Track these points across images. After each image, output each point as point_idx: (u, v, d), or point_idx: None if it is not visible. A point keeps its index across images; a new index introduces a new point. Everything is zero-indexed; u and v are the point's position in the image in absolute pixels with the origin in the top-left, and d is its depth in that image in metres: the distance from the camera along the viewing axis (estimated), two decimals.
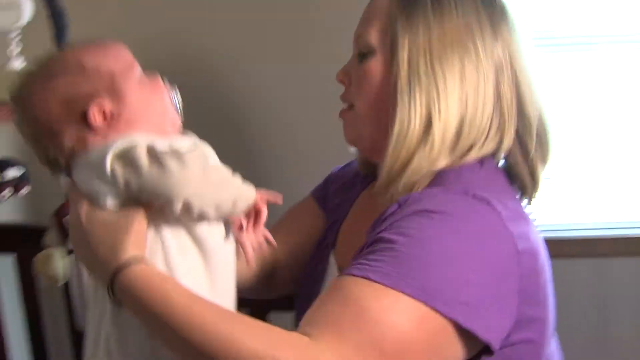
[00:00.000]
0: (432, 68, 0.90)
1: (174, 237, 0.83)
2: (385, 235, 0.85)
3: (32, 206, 1.90)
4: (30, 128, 0.86)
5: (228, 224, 0.87)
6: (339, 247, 1.09)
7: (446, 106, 0.90)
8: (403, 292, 0.79)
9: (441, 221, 0.84)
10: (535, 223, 0.95)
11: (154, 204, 0.80)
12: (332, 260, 1.09)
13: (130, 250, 0.79)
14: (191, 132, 0.91)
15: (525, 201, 1.00)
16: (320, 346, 0.77)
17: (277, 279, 1.17)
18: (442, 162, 0.92)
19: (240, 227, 0.88)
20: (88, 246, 0.81)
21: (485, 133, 0.93)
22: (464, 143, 0.92)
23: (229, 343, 0.75)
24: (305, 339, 0.78)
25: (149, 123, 0.85)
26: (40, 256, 1.18)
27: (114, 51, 0.88)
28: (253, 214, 0.87)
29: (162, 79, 0.91)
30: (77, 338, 1.45)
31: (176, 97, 0.91)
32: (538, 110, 0.97)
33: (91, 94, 0.83)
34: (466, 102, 0.91)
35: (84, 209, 0.82)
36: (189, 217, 0.81)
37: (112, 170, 0.79)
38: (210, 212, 0.81)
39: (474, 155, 0.94)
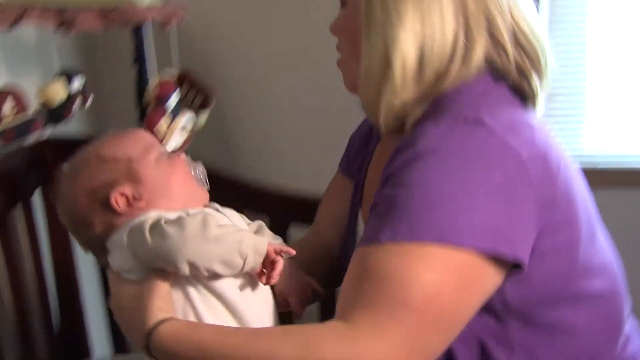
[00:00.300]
0: (386, 5, 0.90)
1: (200, 296, 0.87)
2: (385, 192, 0.86)
3: (96, 117, 2.00)
4: (68, 222, 0.95)
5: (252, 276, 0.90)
6: (364, 205, 1.10)
7: (401, 39, 0.89)
8: (415, 241, 0.80)
9: (434, 160, 0.84)
10: (544, 127, 0.93)
11: (167, 269, 0.85)
12: (360, 219, 1.10)
13: (156, 314, 0.84)
14: (214, 204, 0.96)
15: (531, 108, 0.98)
16: (356, 327, 0.79)
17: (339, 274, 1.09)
18: (411, 94, 0.91)
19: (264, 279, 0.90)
20: (124, 320, 0.89)
21: (453, 54, 0.91)
22: (429, 70, 0.91)
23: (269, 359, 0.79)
24: (339, 325, 0.80)
25: (170, 199, 0.92)
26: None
27: (131, 137, 0.94)
28: (269, 265, 0.89)
29: (185, 155, 0.97)
30: None
31: (199, 171, 0.96)
32: (514, 20, 0.93)
33: (111, 182, 0.90)
34: (422, 31, 0.89)
35: (115, 287, 0.90)
36: (201, 276, 0.85)
37: (127, 246, 0.87)
38: (218, 268, 0.84)
39: (457, 74, 0.91)
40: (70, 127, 1.62)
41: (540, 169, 0.85)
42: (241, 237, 0.86)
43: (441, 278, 0.80)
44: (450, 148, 0.84)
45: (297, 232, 1.67)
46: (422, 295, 0.79)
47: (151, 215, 0.87)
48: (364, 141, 1.16)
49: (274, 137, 1.99)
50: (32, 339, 1.76)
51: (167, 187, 0.92)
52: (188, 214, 0.86)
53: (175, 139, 1.47)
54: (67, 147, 1.80)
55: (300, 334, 0.81)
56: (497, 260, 0.82)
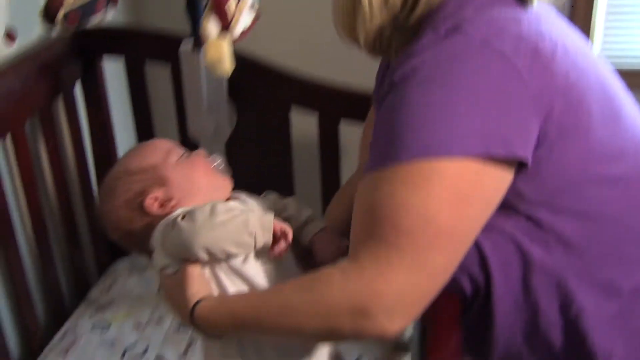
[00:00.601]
0: None
1: (230, 281, 0.94)
2: (376, 120, 0.86)
3: (135, 8, 1.97)
4: (117, 236, 1.02)
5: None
6: None
7: None
8: (401, 162, 0.79)
9: (414, 79, 0.81)
10: (540, 17, 0.88)
11: (191, 259, 0.92)
12: None
13: (191, 298, 0.91)
14: (242, 194, 1.03)
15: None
16: (359, 264, 0.80)
17: None
18: (384, 19, 0.89)
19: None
20: (173, 310, 0.96)
21: None
22: None
23: (285, 311, 0.84)
24: (345, 265, 0.81)
25: (196, 194, 0.99)
26: (208, 45, 1.38)
27: (150, 147, 1.03)
28: (280, 237, 0.93)
29: (203, 151, 1.04)
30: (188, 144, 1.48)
31: (218, 163, 1.04)
32: None
33: (143, 190, 0.98)
34: None
35: (162, 282, 0.97)
36: (219, 260, 0.92)
37: (160, 244, 0.95)
38: (232, 249, 0.91)
39: None
40: (111, 18, 1.57)
41: (529, 60, 0.81)
42: (247, 217, 0.91)
43: (431, 196, 0.78)
44: (430, 63, 0.81)
45: (347, 128, 1.62)
46: (412, 217, 0.78)
47: (176, 213, 0.95)
48: (383, 70, 1.11)
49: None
50: (76, 237, 1.75)
51: (191, 183, 1.00)
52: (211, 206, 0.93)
53: (244, 18, 1.41)
54: (108, 38, 1.79)
55: (310, 280, 0.84)
56: (495, 162, 0.79)
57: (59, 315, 1.68)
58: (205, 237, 0.89)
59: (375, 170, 0.81)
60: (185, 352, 1.50)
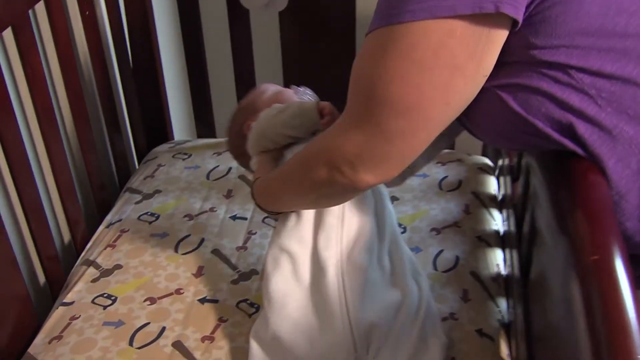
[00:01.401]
0: None
1: None
2: None
3: None
4: (234, 154, 1.30)
5: None
6: None
7: None
8: (383, 26, 0.77)
9: None
10: None
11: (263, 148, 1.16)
12: None
13: (254, 179, 1.12)
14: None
15: None
16: (341, 124, 0.86)
17: None
18: None
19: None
20: None
21: None
22: None
23: (284, 176, 1.02)
24: (336, 123, 0.88)
25: None
26: None
27: (255, 89, 1.27)
28: (327, 114, 1.10)
29: (294, 87, 1.23)
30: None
31: (306, 93, 1.22)
32: None
33: (243, 120, 1.22)
34: None
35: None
36: (281, 145, 1.14)
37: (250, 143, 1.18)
38: (287, 131, 1.12)
39: None
40: None
41: None
42: (299, 104, 1.13)
43: (406, 60, 0.76)
44: None
45: None
46: (386, 84, 0.77)
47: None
48: None
49: None
50: (116, 119, 1.58)
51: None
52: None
53: None
54: None
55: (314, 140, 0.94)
56: (485, 18, 0.74)
57: (102, 205, 1.54)
58: (267, 124, 1.13)
59: (370, 32, 0.80)
60: (245, 242, 1.37)
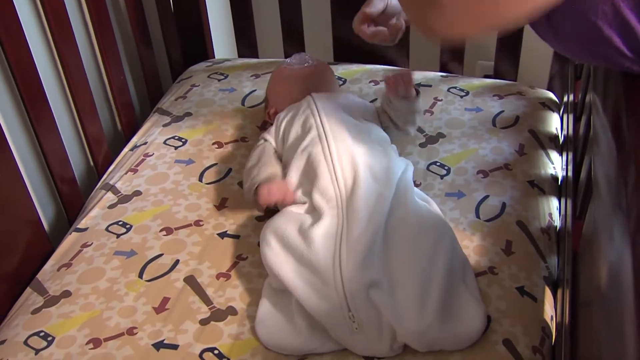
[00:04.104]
0: None
1: None
2: None
3: None
4: None
5: None
6: None
7: None
8: None
9: None
10: None
11: None
12: None
13: None
14: None
15: None
16: None
17: None
18: None
19: None
20: None
21: None
22: None
23: None
24: None
25: (278, 101, 1.30)
26: None
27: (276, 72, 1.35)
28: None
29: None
30: None
31: (300, 60, 1.31)
32: None
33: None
34: None
35: None
36: None
37: None
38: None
39: None
40: None
41: None
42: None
43: None
44: None
45: None
46: None
47: None
48: None
49: None
50: (146, 34, 1.48)
51: (273, 94, 1.33)
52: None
53: None
54: None
55: None
56: None
57: (129, 126, 1.46)
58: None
59: None
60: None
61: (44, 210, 1.22)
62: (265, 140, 1.21)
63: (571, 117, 1.26)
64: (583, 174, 0.96)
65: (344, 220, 1.01)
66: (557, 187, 1.23)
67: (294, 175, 1.10)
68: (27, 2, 1.15)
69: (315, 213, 1.04)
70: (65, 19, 1.21)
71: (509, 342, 0.94)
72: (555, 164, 1.27)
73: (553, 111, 1.40)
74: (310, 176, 1.08)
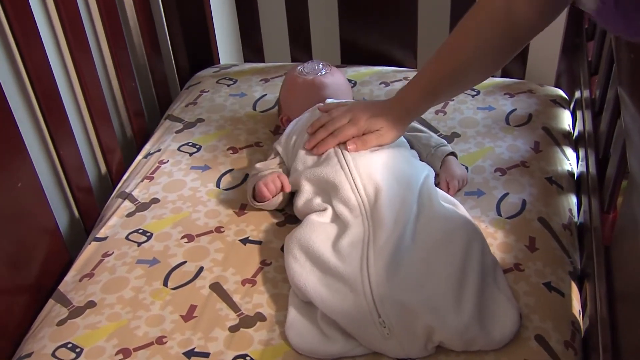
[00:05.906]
0: None
1: None
2: None
3: None
4: None
5: None
6: None
7: None
8: None
9: None
10: None
11: None
12: None
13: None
14: None
15: None
16: None
17: None
18: None
19: None
20: None
21: None
22: None
23: None
24: None
25: (293, 109, 1.30)
26: None
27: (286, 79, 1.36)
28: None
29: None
30: None
31: (314, 69, 1.31)
32: None
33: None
34: None
35: None
36: None
37: None
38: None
39: None
40: None
41: None
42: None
43: None
44: None
45: None
46: None
47: None
48: None
49: None
50: (155, 40, 1.47)
51: (285, 102, 1.34)
52: None
53: None
54: None
55: None
56: None
57: (140, 133, 1.45)
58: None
59: None
60: None
61: (61, 220, 1.21)
62: (276, 152, 1.23)
63: (587, 113, 1.26)
64: (610, 170, 0.97)
65: (370, 226, 1.01)
66: (575, 183, 1.24)
67: (308, 185, 1.10)
68: (42, 12, 1.14)
69: (339, 221, 1.05)
70: (81, 29, 1.20)
71: (541, 338, 0.94)
72: (571, 160, 1.28)
73: (564, 108, 1.41)
74: (328, 186, 1.08)
